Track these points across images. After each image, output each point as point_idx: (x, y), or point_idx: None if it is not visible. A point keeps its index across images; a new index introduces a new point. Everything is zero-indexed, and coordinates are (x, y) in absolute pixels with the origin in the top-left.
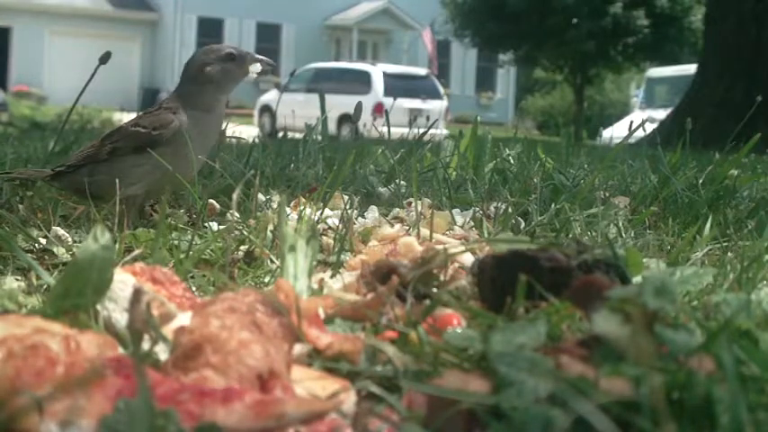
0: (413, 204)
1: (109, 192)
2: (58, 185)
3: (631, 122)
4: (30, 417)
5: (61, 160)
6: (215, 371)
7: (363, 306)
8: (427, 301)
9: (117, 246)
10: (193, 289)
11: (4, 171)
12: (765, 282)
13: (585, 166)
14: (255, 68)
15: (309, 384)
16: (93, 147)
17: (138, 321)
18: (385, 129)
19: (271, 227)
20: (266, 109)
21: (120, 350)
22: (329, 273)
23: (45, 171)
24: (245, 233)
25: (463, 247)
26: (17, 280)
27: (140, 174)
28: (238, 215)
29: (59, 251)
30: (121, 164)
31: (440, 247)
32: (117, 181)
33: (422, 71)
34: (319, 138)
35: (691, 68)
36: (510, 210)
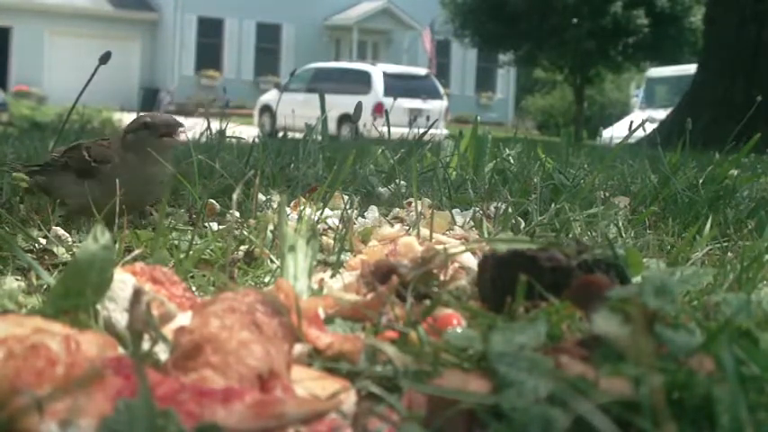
0: (413, 204)
1: (54, 197)
2: (31, 181)
3: (631, 122)
4: (30, 417)
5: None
6: (215, 371)
7: (363, 306)
8: (427, 301)
9: (117, 246)
10: (193, 289)
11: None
12: (765, 282)
13: (585, 166)
14: (169, 142)
15: (309, 384)
16: (58, 152)
17: (138, 321)
18: (385, 129)
19: (271, 227)
20: (266, 109)
21: (120, 350)
22: (329, 273)
23: (30, 166)
24: (245, 233)
25: (463, 247)
26: (17, 280)
27: (73, 193)
28: (238, 215)
29: (59, 251)
30: (65, 179)
31: (440, 247)
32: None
33: (422, 71)
34: (319, 138)
35: (691, 68)
36: (510, 210)
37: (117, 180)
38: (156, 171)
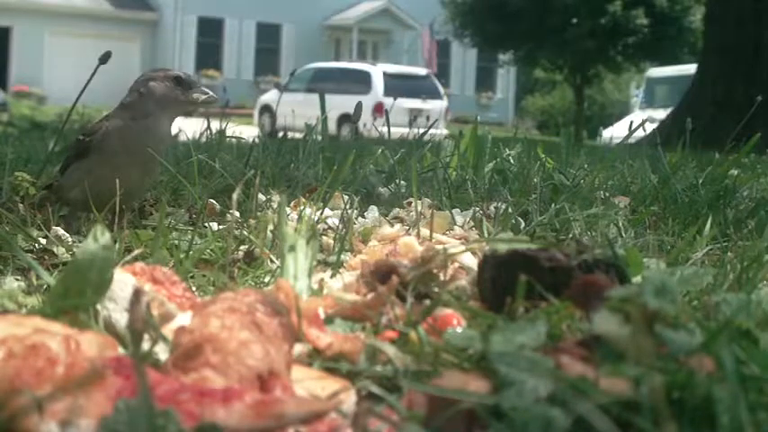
0: (413, 204)
1: (64, 196)
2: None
3: (631, 122)
4: (30, 417)
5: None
6: (215, 371)
7: (363, 306)
8: (427, 301)
9: (117, 246)
10: (193, 289)
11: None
12: (765, 282)
13: (585, 166)
14: (198, 97)
15: (309, 384)
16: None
17: (138, 321)
18: (385, 129)
19: (271, 227)
20: (266, 109)
21: (120, 350)
22: (329, 273)
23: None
24: (245, 233)
25: (463, 247)
26: (17, 280)
27: (76, 179)
28: (238, 215)
29: (59, 251)
30: (69, 171)
31: (440, 247)
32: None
33: (422, 71)
34: (319, 138)
35: (691, 68)
36: (510, 210)
37: (122, 145)
38: (156, 125)
